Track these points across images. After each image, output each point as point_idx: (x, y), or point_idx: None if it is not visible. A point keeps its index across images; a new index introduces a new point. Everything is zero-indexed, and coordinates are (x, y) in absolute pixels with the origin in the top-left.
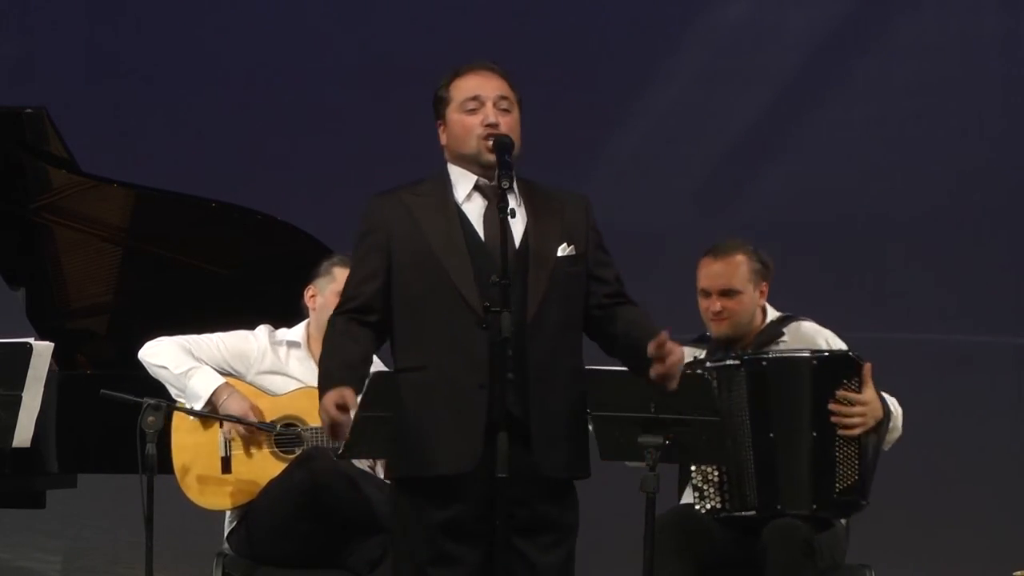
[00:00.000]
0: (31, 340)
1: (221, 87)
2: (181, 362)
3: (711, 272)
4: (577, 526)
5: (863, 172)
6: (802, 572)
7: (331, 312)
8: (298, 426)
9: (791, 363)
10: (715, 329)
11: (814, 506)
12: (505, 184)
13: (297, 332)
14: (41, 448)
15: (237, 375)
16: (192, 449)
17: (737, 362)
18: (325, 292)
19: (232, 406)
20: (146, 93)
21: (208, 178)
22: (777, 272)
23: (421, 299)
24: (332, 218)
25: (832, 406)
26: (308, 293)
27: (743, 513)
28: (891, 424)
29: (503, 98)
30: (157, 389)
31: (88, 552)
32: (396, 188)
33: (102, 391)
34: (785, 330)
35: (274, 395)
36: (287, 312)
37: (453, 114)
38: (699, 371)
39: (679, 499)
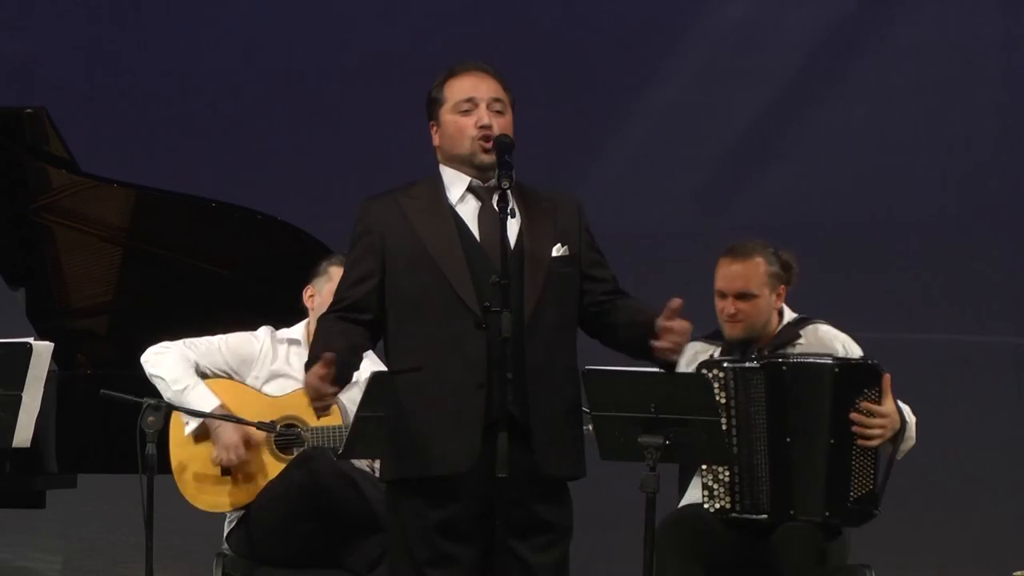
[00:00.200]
0: (31, 340)
1: (221, 87)
2: (179, 377)
3: (729, 273)
4: (572, 527)
5: (863, 172)
6: None
7: None
8: (298, 426)
9: (812, 369)
10: (729, 331)
11: (827, 513)
12: (505, 184)
13: (297, 330)
14: (41, 448)
15: (239, 377)
16: (191, 451)
17: (756, 365)
18: (323, 292)
19: (222, 436)
20: (146, 93)
21: (208, 178)
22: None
23: (417, 300)
24: (332, 218)
25: (854, 415)
26: (307, 293)
27: (754, 516)
28: (906, 434)
29: (497, 100)
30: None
31: (88, 552)
32: (389, 191)
33: (102, 391)
34: (802, 332)
35: (274, 396)
36: (288, 312)
37: (447, 115)
38: (715, 371)
39: (679, 499)
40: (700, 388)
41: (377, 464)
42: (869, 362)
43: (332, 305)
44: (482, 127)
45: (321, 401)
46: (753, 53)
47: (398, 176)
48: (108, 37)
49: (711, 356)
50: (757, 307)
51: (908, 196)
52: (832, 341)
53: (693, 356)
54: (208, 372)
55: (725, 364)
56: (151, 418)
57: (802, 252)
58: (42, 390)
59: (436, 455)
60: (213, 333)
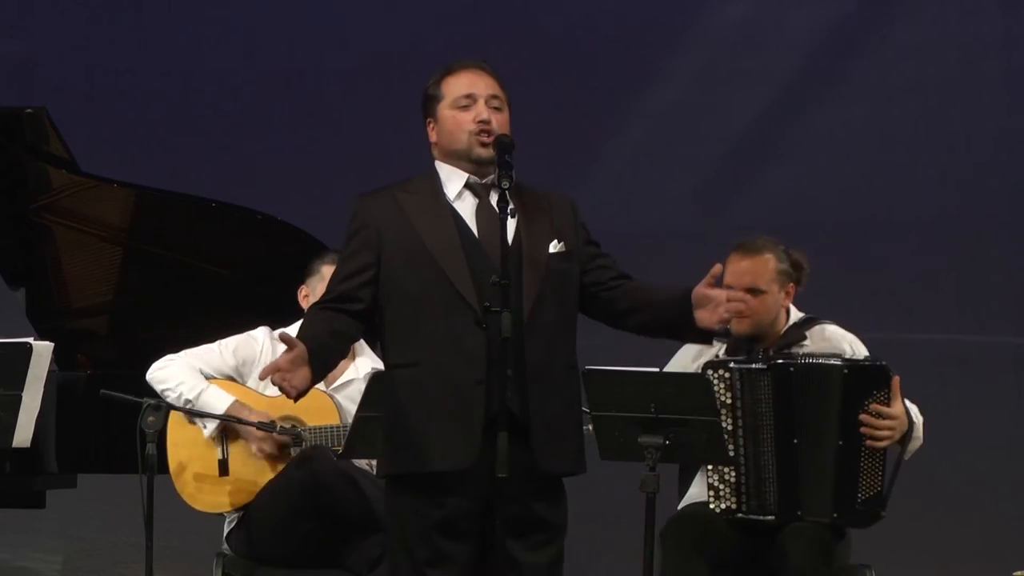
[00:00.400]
0: (31, 340)
1: (221, 87)
2: (191, 384)
3: (738, 269)
4: (566, 526)
5: (863, 172)
6: None
7: None
8: (297, 426)
9: (821, 370)
10: (736, 327)
11: (835, 514)
12: (505, 184)
13: (294, 330)
14: (41, 448)
15: (240, 379)
16: (189, 452)
17: (763, 366)
18: (316, 291)
19: (252, 430)
20: (146, 93)
21: (208, 178)
22: None
23: (416, 296)
24: (332, 218)
25: (863, 416)
26: (301, 293)
27: (761, 517)
28: (913, 434)
29: (494, 96)
30: None
31: (88, 552)
32: (385, 186)
33: (102, 391)
34: (808, 333)
35: (273, 396)
36: (287, 312)
37: (445, 111)
38: (721, 371)
39: (679, 499)
40: (700, 388)
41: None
42: (878, 364)
43: (321, 297)
44: (481, 122)
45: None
46: (753, 53)
47: (398, 176)
48: (108, 37)
49: (716, 355)
50: (765, 303)
51: (908, 196)
52: (840, 341)
53: (698, 352)
54: (213, 376)
55: (731, 364)
56: (151, 418)
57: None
58: (42, 390)
59: (436, 451)
60: (213, 333)
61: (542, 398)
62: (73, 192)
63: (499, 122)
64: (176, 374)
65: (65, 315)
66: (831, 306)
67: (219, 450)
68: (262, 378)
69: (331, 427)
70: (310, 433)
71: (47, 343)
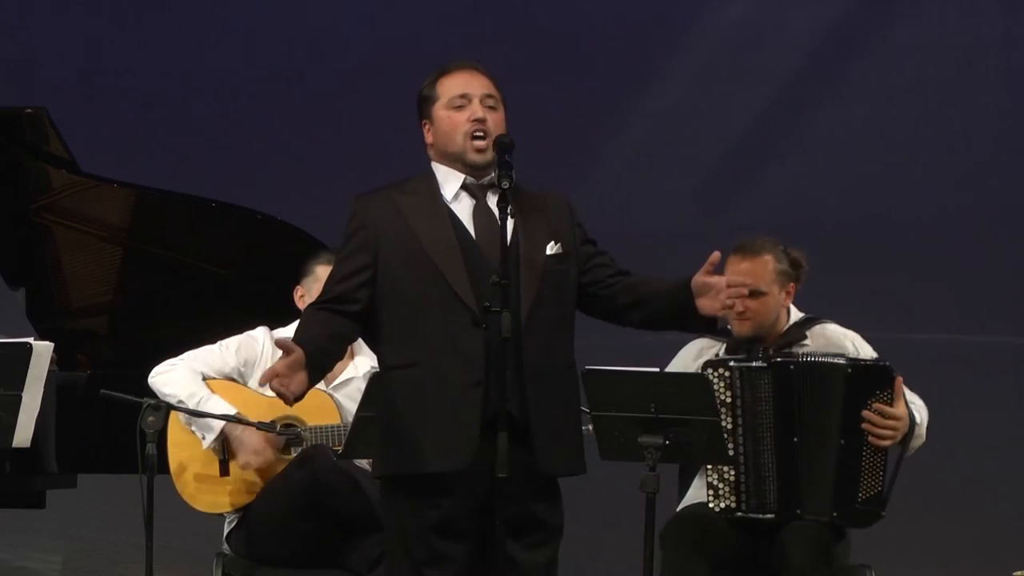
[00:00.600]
0: (31, 340)
1: (220, 87)
2: (192, 391)
3: (738, 271)
4: (563, 526)
5: (863, 172)
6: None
7: None
8: (297, 426)
9: (824, 369)
10: (737, 328)
11: (835, 513)
12: (505, 184)
13: (292, 330)
14: (41, 448)
15: (241, 379)
16: (189, 452)
17: (764, 364)
18: (312, 291)
19: (247, 441)
20: (146, 93)
21: (208, 178)
22: None
23: (414, 297)
24: (332, 218)
25: (866, 414)
26: (297, 294)
27: (760, 516)
28: (915, 432)
29: (489, 96)
30: None
31: (88, 552)
32: (382, 187)
33: (102, 391)
34: (808, 333)
35: (272, 397)
36: (287, 312)
37: (440, 111)
38: (721, 370)
39: (679, 499)
40: (700, 388)
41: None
42: (882, 364)
43: (318, 298)
44: (476, 120)
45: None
46: (753, 53)
47: (398, 176)
48: (108, 37)
49: (716, 355)
50: (766, 305)
51: (908, 196)
52: (842, 340)
53: (699, 352)
54: (215, 378)
55: (731, 363)
56: (151, 418)
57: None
58: (42, 390)
59: (432, 453)
60: (213, 333)
61: (541, 399)
62: (73, 192)
63: (494, 121)
64: (178, 381)
65: (65, 315)
66: (831, 306)
67: (219, 451)
68: (262, 384)
69: (331, 426)
70: (310, 433)
71: (47, 343)
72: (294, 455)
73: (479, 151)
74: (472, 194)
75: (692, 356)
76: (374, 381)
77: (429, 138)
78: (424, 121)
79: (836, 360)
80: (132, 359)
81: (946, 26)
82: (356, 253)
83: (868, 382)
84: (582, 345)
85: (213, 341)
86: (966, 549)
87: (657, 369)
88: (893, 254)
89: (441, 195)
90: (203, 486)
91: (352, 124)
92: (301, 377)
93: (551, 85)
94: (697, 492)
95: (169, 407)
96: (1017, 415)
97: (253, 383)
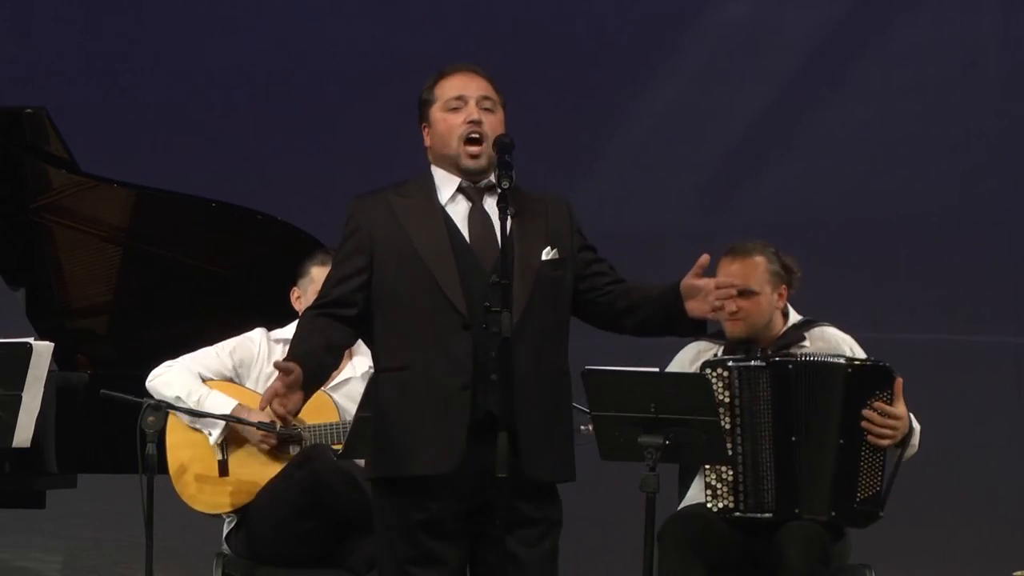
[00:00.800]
0: (31, 340)
1: (220, 87)
2: (191, 390)
3: (729, 272)
4: (561, 520)
5: (863, 172)
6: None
7: None
8: (296, 425)
9: (824, 368)
10: (730, 329)
11: (833, 513)
12: (505, 184)
13: (291, 331)
14: (41, 448)
15: (238, 380)
16: (189, 453)
17: (762, 363)
18: (307, 292)
19: (250, 434)
20: (146, 93)
21: (208, 178)
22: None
23: (405, 300)
24: (331, 218)
25: (867, 413)
26: (293, 295)
27: (759, 515)
28: (910, 440)
29: (486, 98)
30: None
31: (88, 552)
32: (380, 189)
33: (102, 391)
34: (807, 335)
35: None
36: (286, 312)
37: (437, 113)
38: (719, 369)
39: (679, 499)
40: (700, 388)
41: None
42: (882, 364)
43: (316, 300)
44: (471, 122)
45: (280, 407)
46: (753, 53)
47: (397, 177)
48: (108, 37)
49: (714, 355)
50: (758, 305)
51: (908, 195)
52: (839, 343)
53: (696, 355)
54: (212, 379)
55: (730, 363)
56: (151, 418)
57: (802, 252)
58: (42, 390)
59: (419, 455)
60: (213, 333)
61: (529, 404)
62: (73, 192)
63: (491, 123)
64: (175, 380)
65: (65, 315)
66: (831, 306)
67: (219, 451)
68: (262, 407)
69: (330, 425)
70: (309, 432)
71: (47, 343)
72: (294, 454)
73: (473, 157)
74: (468, 197)
75: (689, 359)
76: (373, 382)
77: (427, 141)
78: (423, 124)
79: (836, 360)
80: (132, 359)
81: (946, 26)
82: (352, 256)
83: (868, 382)
84: (582, 345)
85: (213, 341)
86: (966, 549)
87: (657, 369)
88: (893, 254)
89: (437, 198)
90: (203, 486)
91: (352, 124)
92: (298, 397)
93: (551, 85)
94: (697, 492)
95: (169, 407)
96: (1017, 415)
97: (251, 383)
